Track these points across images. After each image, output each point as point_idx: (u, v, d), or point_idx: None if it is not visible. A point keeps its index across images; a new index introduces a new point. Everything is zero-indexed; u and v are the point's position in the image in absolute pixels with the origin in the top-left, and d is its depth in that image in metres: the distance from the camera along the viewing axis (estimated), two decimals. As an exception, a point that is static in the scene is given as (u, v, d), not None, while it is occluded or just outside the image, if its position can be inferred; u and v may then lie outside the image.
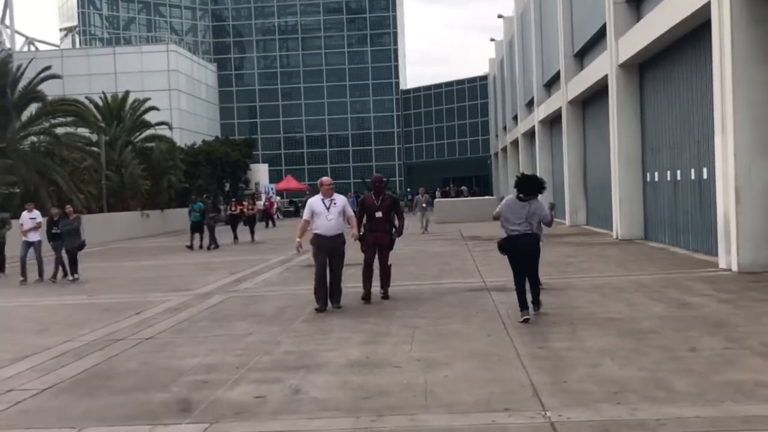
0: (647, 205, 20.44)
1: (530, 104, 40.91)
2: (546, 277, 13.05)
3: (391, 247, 11.30)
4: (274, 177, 68.85)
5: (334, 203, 10.43)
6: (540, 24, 37.02)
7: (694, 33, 15.75)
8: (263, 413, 5.73)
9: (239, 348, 8.25)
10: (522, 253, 9.16)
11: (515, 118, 48.74)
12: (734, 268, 12.62)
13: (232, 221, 28.51)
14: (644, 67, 20.01)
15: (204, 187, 49.87)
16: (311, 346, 8.18)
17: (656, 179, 19.36)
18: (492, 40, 60.82)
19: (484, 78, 72.88)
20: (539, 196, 9.27)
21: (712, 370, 6.30)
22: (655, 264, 14.66)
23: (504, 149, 57.63)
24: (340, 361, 7.27)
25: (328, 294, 10.50)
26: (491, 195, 56.85)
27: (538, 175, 9.81)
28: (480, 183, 70.06)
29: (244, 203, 30.67)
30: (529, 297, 9.23)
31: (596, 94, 25.45)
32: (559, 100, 30.59)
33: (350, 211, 10.71)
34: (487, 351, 7.52)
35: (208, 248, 24.71)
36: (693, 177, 16.52)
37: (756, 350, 6.95)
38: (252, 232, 28.53)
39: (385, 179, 11.48)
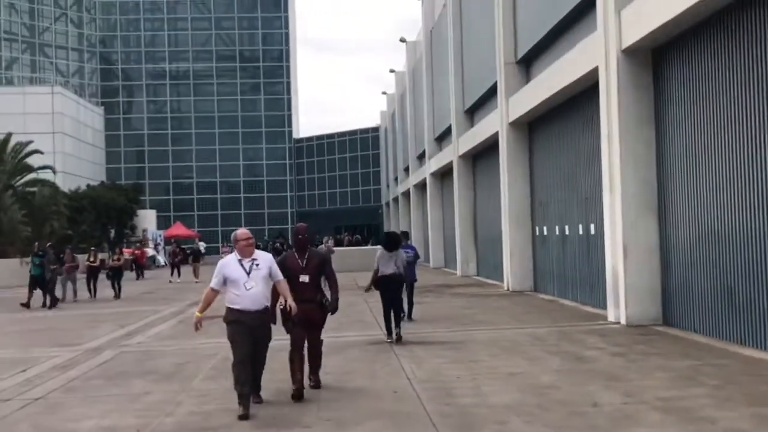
0: (537, 258, 21.10)
1: (422, 157, 41.78)
2: (446, 330, 13.30)
3: (322, 323, 8.65)
4: (163, 223, 67.14)
5: (257, 265, 7.64)
6: (431, 80, 38.07)
7: (582, 95, 16.55)
8: (171, 480, 5.50)
9: (138, 408, 7.93)
10: (391, 288, 12.53)
11: (407, 169, 49.61)
12: (623, 321, 13.16)
13: (90, 273, 24.65)
14: (534, 125, 20.84)
15: (88, 232, 48.10)
16: (215, 405, 7.95)
17: (545, 233, 20.06)
18: (384, 93, 62.04)
19: (376, 129, 74.07)
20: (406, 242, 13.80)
21: (615, 426, 6.51)
22: (547, 316, 15.10)
23: (395, 199, 58.44)
24: (247, 422, 7.09)
25: (252, 387, 7.73)
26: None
27: (397, 232, 14.12)
28: (371, 232, 70.60)
29: (130, 250, 29.41)
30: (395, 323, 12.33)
31: (487, 150, 26.26)
32: (450, 154, 31.38)
33: (279, 274, 7.89)
34: (395, 409, 7.51)
35: (49, 306, 21.37)
36: (581, 232, 17.21)
37: (653, 405, 7.23)
38: (116, 287, 24.64)
39: (310, 231, 8.93)
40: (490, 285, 24.31)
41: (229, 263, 7.72)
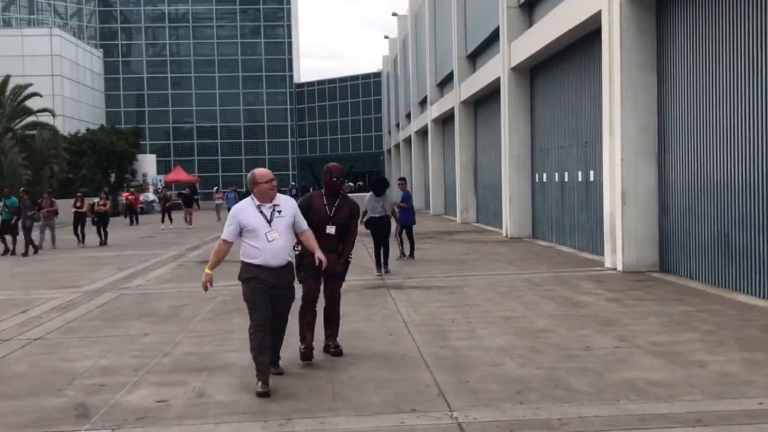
0: (536, 205, 21.11)
1: (423, 103, 41.48)
2: (443, 275, 13.38)
3: (343, 276, 7.51)
4: (163, 168, 67.11)
5: (279, 212, 6.37)
6: (434, 24, 37.57)
7: (584, 40, 16.35)
8: (167, 418, 5.59)
9: (136, 349, 8.02)
10: (379, 229, 14.08)
11: (408, 115, 49.31)
12: (619, 267, 13.21)
13: (77, 219, 23.65)
14: (535, 71, 20.64)
15: (89, 177, 48.09)
16: (212, 347, 8.03)
17: (545, 180, 20.02)
18: (386, 37, 61.29)
19: (378, 75, 73.45)
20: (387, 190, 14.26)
21: (607, 369, 6.58)
22: (544, 262, 15.16)
23: (397, 146, 58.23)
24: (243, 362, 7.16)
25: (270, 357, 6.43)
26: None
27: (385, 178, 16.95)
28: (382, 176, 70.57)
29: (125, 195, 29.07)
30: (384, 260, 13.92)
31: (488, 96, 26.06)
32: (452, 100, 31.14)
33: (304, 223, 6.70)
34: (390, 351, 7.59)
35: (24, 254, 20.41)
36: (580, 179, 17.17)
37: (645, 349, 7.30)
38: (101, 233, 23.84)
39: (345, 173, 7.67)
40: (489, 231, 24.37)
41: (246, 209, 6.37)
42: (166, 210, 32.07)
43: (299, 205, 6.85)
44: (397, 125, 57.18)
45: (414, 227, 16.91)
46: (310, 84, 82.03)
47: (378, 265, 14.01)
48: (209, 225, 31.91)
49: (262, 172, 6.46)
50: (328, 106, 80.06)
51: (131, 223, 36.24)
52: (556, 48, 17.95)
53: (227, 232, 6.39)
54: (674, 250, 12.60)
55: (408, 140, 50.03)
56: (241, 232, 6.35)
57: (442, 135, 36.79)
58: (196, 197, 40.31)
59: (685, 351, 7.16)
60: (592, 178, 16.33)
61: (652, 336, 7.86)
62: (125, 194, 41.93)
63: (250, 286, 6.36)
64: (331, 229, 7.25)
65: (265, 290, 6.32)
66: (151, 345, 8.19)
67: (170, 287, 12.96)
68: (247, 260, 6.38)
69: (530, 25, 20.29)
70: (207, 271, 6.45)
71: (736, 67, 10.57)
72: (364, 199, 13.91)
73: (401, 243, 16.38)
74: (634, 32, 12.99)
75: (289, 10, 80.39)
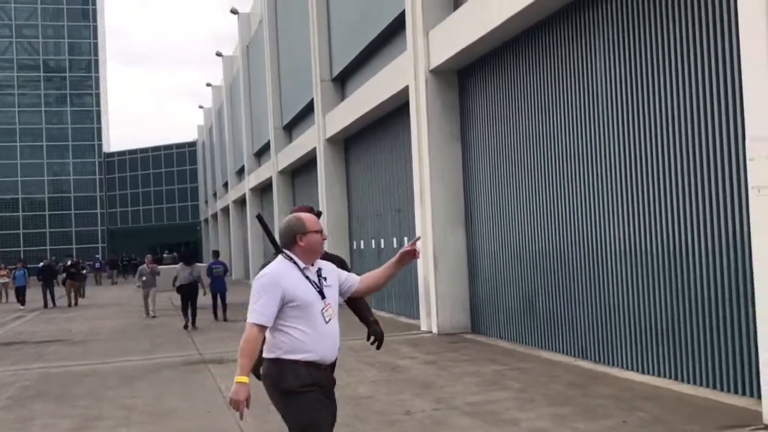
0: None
1: (241, 172, 41.33)
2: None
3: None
4: (-44, 244, 61.88)
5: (324, 278, 4.25)
6: (249, 95, 37.81)
7: (394, 112, 17.06)
8: None
9: None
10: (188, 292, 17.31)
11: (226, 185, 48.85)
12: (434, 330, 13.65)
13: None
14: (350, 141, 21.23)
15: None
16: (12, 437, 7.44)
17: (362, 247, 20.44)
18: (201, 107, 60.84)
19: (193, 144, 72.42)
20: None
21: (425, 432, 6.73)
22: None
23: (215, 215, 57.34)
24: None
25: None
26: (201, 262, 55.98)
27: (191, 249, 20.22)
28: (191, 248, 68.79)
29: None
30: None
31: (306, 165, 26.44)
32: (269, 169, 31.28)
33: (354, 278, 4.54)
34: (208, 429, 7.36)
35: None
36: (395, 245, 17.69)
37: (462, 410, 7.56)
38: None
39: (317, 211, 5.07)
40: (309, 300, 24.35)
41: (289, 273, 4.10)
42: None
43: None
44: (214, 194, 56.42)
45: (227, 293, 19.03)
46: (121, 153, 79.33)
47: (185, 320, 17.09)
48: None
49: (311, 218, 4.26)
50: (140, 176, 77.59)
51: None
52: (368, 120, 18.60)
53: (262, 311, 4.01)
54: (484, 312, 13.22)
55: (226, 210, 49.46)
56: (282, 311, 4.06)
57: (261, 204, 36.72)
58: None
59: (499, 410, 7.48)
60: (406, 244, 16.82)
61: (468, 396, 8.15)
62: None
63: (310, 400, 4.02)
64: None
65: (327, 403, 4.14)
66: (-60, 441, 7.46)
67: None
68: (290, 356, 4.03)
69: (343, 98, 20.94)
70: (242, 380, 3.95)
71: (528, 139, 11.43)
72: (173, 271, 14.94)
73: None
74: (440, 106, 13.75)
75: (97, 78, 77.86)
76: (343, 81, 21.36)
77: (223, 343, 14.03)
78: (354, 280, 4.45)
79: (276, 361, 4.04)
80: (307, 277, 4.11)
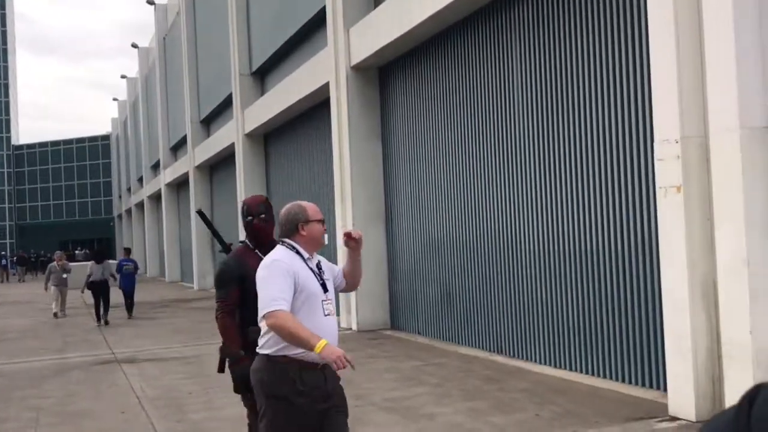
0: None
1: (156, 167, 40.46)
2: (181, 346, 12.97)
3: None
4: None
5: (322, 270, 4.00)
6: (166, 87, 37.03)
7: (315, 109, 17.00)
8: None
9: None
10: (100, 289, 17.22)
11: (141, 180, 47.75)
12: (354, 327, 13.68)
13: None
14: (270, 137, 21.04)
15: None
16: None
17: (282, 244, 20.28)
18: (115, 99, 59.28)
19: (107, 137, 70.55)
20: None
21: (343, 429, 6.73)
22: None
23: (129, 211, 56.00)
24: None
25: None
26: (114, 259, 54.64)
27: (105, 246, 21.00)
28: (103, 245, 67.02)
29: None
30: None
31: (224, 161, 26.07)
32: (186, 164, 30.72)
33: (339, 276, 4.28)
34: (121, 430, 7.19)
35: None
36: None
37: (380, 405, 7.59)
38: None
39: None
40: (227, 297, 24.03)
41: (295, 262, 3.84)
42: None
43: (233, 270, 4.61)
44: (129, 190, 55.07)
45: (135, 291, 18.80)
46: (31, 146, 76.65)
47: (98, 317, 17.14)
48: None
49: (312, 206, 4.07)
50: (51, 170, 75.15)
51: None
52: (288, 115, 18.46)
53: (283, 296, 3.67)
54: (403, 308, 13.31)
55: (140, 205, 48.35)
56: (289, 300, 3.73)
57: (177, 200, 36.02)
58: None
59: (416, 405, 7.54)
60: (326, 242, 16.79)
61: (386, 392, 8.20)
62: None
63: (290, 412, 3.70)
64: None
65: (313, 412, 3.75)
66: None
67: None
68: (284, 353, 3.70)
69: (263, 92, 20.73)
70: (321, 342, 3.51)
71: (447, 137, 11.56)
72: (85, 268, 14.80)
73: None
74: (361, 103, 13.77)
75: (6, 68, 75.02)
76: (262, 75, 21.14)
77: (135, 342, 13.72)
78: (341, 276, 4.24)
79: (269, 359, 3.72)
80: (310, 268, 3.89)
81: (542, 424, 6.59)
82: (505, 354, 10.16)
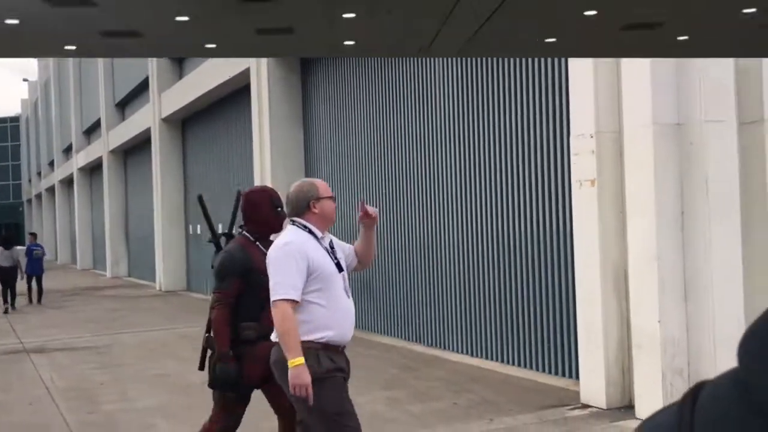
0: (190, 257, 20.89)
1: (68, 150, 39.16)
2: (92, 335, 12.61)
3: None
4: None
5: (335, 251, 3.86)
6: (79, 69, 35.81)
7: (235, 94, 16.73)
8: None
9: None
10: (7, 276, 16.92)
11: (51, 163, 46.14)
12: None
13: None
14: (188, 122, 20.62)
15: None
16: None
17: (199, 231, 19.94)
18: (25, 80, 57.08)
19: (16, 119, 67.90)
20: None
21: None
22: (198, 315, 14.98)
23: (39, 196, 54.09)
24: None
25: None
26: (23, 245, 52.71)
27: (12, 232, 18.33)
28: (11, 231, 64.55)
29: None
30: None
31: (140, 145, 25.41)
32: (100, 148, 29.84)
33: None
34: (29, 422, 6.94)
35: None
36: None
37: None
38: None
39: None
40: (142, 286, 23.55)
41: (308, 242, 3.70)
42: None
43: (234, 263, 4.30)
44: (39, 174, 53.15)
45: (43, 276, 18.62)
46: (-67, 126, 73.13)
47: (5, 303, 16.79)
48: None
49: (323, 183, 3.94)
50: (-45, 152, 71.92)
51: None
52: (208, 101, 18.12)
53: (294, 284, 3.57)
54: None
55: (51, 189, 46.75)
56: (305, 285, 3.64)
57: (90, 185, 34.97)
58: None
59: (333, 394, 7.52)
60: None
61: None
62: None
63: (338, 385, 3.67)
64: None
65: (344, 384, 3.78)
66: None
67: None
68: (308, 337, 3.58)
69: (181, 76, 20.28)
70: (299, 361, 3.46)
71: (368, 127, 11.56)
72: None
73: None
74: (281, 90, 13.61)
75: None
76: (180, 59, 20.68)
77: (45, 331, 13.28)
78: (353, 254, 4.03)
79: (308, 347, 3.56)
80: (324, 248, 3.74)
81: (459, 413, 6.68)
82: (423, 343, 10.25)
